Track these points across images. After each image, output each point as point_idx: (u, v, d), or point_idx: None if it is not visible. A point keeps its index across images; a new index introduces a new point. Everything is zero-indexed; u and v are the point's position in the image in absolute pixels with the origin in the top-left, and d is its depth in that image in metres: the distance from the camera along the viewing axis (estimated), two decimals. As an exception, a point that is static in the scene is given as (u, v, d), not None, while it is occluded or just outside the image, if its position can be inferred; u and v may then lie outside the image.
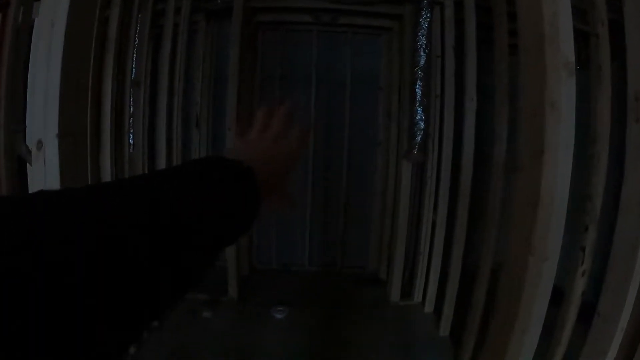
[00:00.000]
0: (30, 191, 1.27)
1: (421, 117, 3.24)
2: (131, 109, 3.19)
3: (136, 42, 3.18)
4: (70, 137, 1.22)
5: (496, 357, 1.37)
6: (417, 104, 3.25)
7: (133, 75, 3.18)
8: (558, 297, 2.32)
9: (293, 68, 4.36)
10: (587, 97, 1.97)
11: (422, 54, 3.22)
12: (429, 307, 3.68)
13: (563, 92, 1.17)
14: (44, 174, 1.22)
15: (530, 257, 1.20)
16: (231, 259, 3.80)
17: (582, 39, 3.91)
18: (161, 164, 3.51)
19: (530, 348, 1.34)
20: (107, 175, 2.76)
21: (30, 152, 2.02)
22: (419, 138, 3.28)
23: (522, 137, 1.26)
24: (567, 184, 1.20)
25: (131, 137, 3.20)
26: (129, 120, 3.13)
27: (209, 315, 3.54)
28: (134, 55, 3.18)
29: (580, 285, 2.18)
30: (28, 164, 1.70)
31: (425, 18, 3.24)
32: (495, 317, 1.41)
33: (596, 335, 1.77)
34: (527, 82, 1.24)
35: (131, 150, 3.17)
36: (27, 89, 1.31)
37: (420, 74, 3.23)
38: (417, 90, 3.25)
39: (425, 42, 3.22)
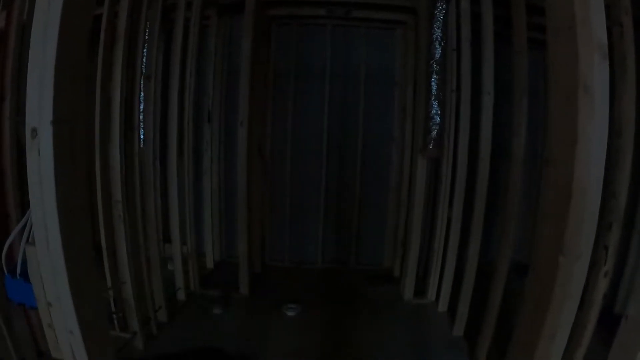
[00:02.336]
0: (29, 182, 1.19)
1: (437, 111, 3.12)
2: (142, 104, 3.12)
3: (146, 36, 3.11)
4: (66, 124, 1.14)
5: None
6: (433, 98, 3.13)
7: (144, 69, 3.11)
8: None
9: (307, 63, 4.26)
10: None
11: (437, 47, 3.10)
12: (442, 306, 3.56)
13: (596, 75, 1.05)
14: (39, 164, 1.14)
15: (561, 257, 1.08)
16: (243, 256, 3.72)
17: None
18: (172, 159, 3.44)
19: (557, 354, 1.22)
20: (116, 171, 2.70)
21: None
22: (434, 133, 3.15)
23: (553, 126, 1.14)
24: (601, 177, 1.09)
25: (142, 132, 3.13)
26: (139, 115, 3.05)
27: (219, 312, 3.46)
28: (144, 49, 3.12)
29: (602, 286, 2.06)
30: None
31: (440, 10, 3.12)
32: (520, 321, 1.29)
33: (624, 340, 1.64)
34: (558, 65, 1.13)
35: (141, 146, 3.10)
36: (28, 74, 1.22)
37: (435, 67, 3.11)
38: (432, 84, 3.13)
39: (440, 34, 3.10)
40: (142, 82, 3.08)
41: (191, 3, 3.52)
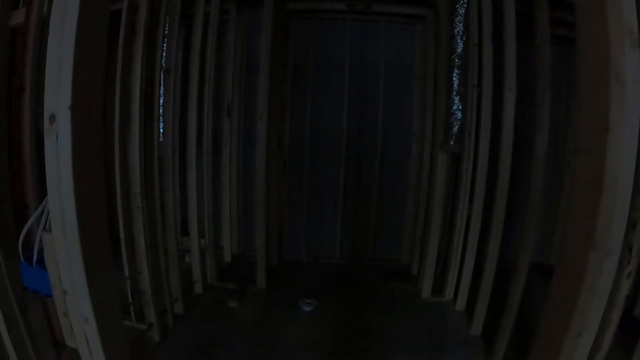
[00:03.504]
0: (46, 167, 1.18)
1: (458, 106, 3.06)
2: (161, 98, 3.13)
3: (166, 30, 3.10)
4: (84, 110, 1.13)
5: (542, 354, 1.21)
6: (454, 93, 3.07)
7: (163, 63, 3.11)
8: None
9: (326, 57, 4.23)
10: None
11: (459, 41, 3.04)
12: (460, 305, 3.50)
13: (628, 62, 0.99)
14: (57, 150, 1.13)
15: (592, 252, 1.03)
16: (260, 250, 3.71)
17: None
18: (191, 153, 3.44)
19: (583, 354, 1.17)
20: (135, 164, 2.71)
21: None
22: (455, 129, 3.10)
23: (583, 115, 1.08)
24: (632, 168, 1.03)
25: (161, 126, 3.13)
26: (159, 108, 3.06)
27: (235, 305, 3.46)
28: (164, 43, 3.12)
29: (625, 287, 1.97)
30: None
31: (462, 4, 3.05)
32: (545, 319, 1.24)
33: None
34: (587, 52, 1.07)
35: (160, 139, 3.10)
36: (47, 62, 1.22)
37: (457, 62, 3.05)
38: (454, 78, 3.07)
39: (462, 28, 3.03)
40: (161, 76, 3.09)
41: (211, -3, 3.51)
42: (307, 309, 3.45)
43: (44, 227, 1.37)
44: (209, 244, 3.72)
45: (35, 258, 1.45)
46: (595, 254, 1.04)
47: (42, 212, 1.41)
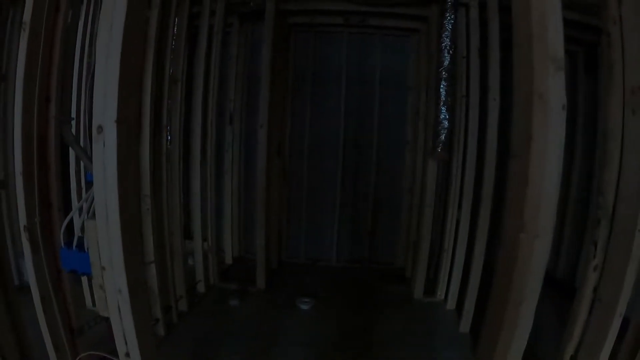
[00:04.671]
0: (94, 168, 1.54)
1: (445, 116, 3.42)
2: (168, 105, 3.47)
3: (174, 42, 3.44)
4: (125, 123, 1.49)
5: (494, 328, 1.56)
6: (442, 104, 3.43)
7: (170, 72, 3.45)
8: (570, 292, 2.46)
9: (324, 68, 4.64)
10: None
11: (446, 54, 3.40)
12: (451, 304, 3.85)
13: (551, 84, 1.35)
14: (103, 153, 1.49)
15: (521, 235, 1.38)
16: (260, 252, 4.07)
17: (589, 47, 4.04)
18: (195, 159, 3.79)
19: (526, 320, 1.51)
20: (145, 168, 3.05)
21: (76, 139, 2.32)
22: (443, 136, 3.45)
23: (515, 127, 1.44)
24: (558, 169, 1.38)
25: (168, 132, 3.48)
26: (167, 115, 3.40)
27: (236, 303, 3.80)
28: (171, 54, 3.46)
29: (592, 279, 2.27)
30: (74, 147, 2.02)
31: (449, 20, 3.41)
32: (492, 292, 1.59)
33: (596, 320, 1.92)
34: (519, 75, 1.43)
35: (169, 145, 3.45)
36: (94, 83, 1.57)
37: (444, 74, 3.41)
38: (441, 90, 3.43)
39: (449, 43, 3.40)
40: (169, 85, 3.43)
41: (215, 11, 3.88)
42: (304, 307, 3.80)
43: (86, 216, 1.73)
44: (211, 246, 4.07)
45: (75, 242, 1.80)
46: (525, 236, 1.38)
47: (82, 205, 1.77)
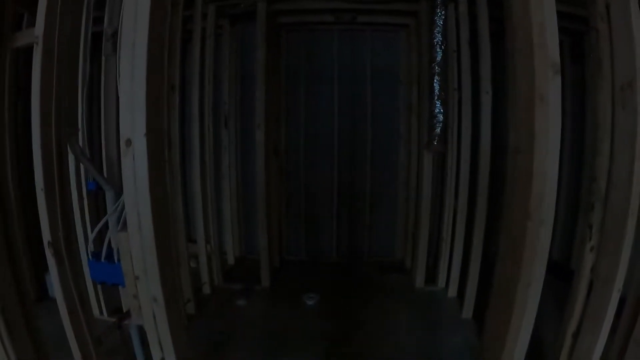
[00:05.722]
0: (123, 181, 1.66)
1: (439, 110, 3.58)
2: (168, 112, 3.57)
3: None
4: (154, 134, 1.61)
5: (505, 309, 1.72)
6: (436, 98, 3.60)
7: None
8: (569, 275, 2.63)
9: (316, 66, 4.77)
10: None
11: (438, 50, 3.57)
12: (452, 292, 4.04)
13: (551, 87, 1.51)
14: (133, 166, 1.61)
15: (528, 222, 1.54)
16: (264, 251, 4.21)
17: (575, 36, 4.23)
18: (195, 163, 3.91)
19: (535, 299, 1.68)
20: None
21: (82, 151, 2.41)
22: (438, 130, 3.62)
23: (519, 125, 1.60)
24: (556, 162, 1.54)
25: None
26: (167, 121, 3.50)
27: (243, 303, 3.94)
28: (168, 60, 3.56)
29: (589, 260, 2.44)
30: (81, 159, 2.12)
31: (440, 16, 3.57)
32: (498, 277, 1.75)
33: (596, 296, 2.10)
34: (519, 79, 1.59)
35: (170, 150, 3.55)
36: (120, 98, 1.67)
37: (437, 69, 3.57)
38: (435, 84, 3.59)
39: (441, 39, 3.56)
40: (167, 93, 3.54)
41: (206, 14, 3.98)
42: (310, 302, 3.95)
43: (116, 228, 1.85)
44: (214, 248, 4.20)
45: (104, 254, 1.92)
46: (531, 223, 1.55)
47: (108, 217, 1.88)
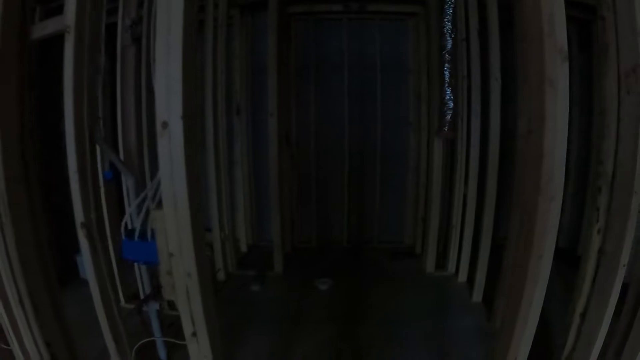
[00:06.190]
0: (160, 161, 1.81)
1: (450, 97, 3.72)
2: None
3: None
4: (189, 117, 1.76)
5: (518, 281, 1.88)
6: (446, 85, 3.74)
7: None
8: (575, 261, 2.78)
9: (325, 55, 4.92)
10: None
11: (448, 38, 3.70)
12: (462, 277, 4.21)
13: (560, 73, 1.65)
14: (170, 147, 1.76)
15: (539, 197, 1.69)
16: (277, 237, 4.38)
17: (583, 25, 4.35)
18: (209, 152, 4.07)
19: (546, 271, 1.83)
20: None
21: (105, 140, 2.55)
22: (448, 117, 3.76)
23: (530, 108, 1.75)
24: (565, 142, 1.69)
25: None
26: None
27: (257, 288, 4.12)
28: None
29: (596, 242, 2.58)
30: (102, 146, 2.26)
31: (450, 4, 3.70)
32: (508, 252, 1.91)
33: (603, 272, 2.26)
34: (528, 64, 1.74)
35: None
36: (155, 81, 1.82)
37: (447, 57, 3.71)
38: (445, 72, 3.73)
39: (450, 27, 3.69)
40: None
41: (217, 4, 4.12)
42: (323, 287, 4.12)
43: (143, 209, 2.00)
44: (228, 235, 4.37)
45: (137, 233, 2.08)
46: (542, 198, 1.69)
47: (143, 198, 2.04)
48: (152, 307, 2.83)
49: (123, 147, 3.30)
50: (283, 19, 4.57)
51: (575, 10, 3.89)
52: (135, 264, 3.17)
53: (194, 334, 2.03)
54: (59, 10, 2.18)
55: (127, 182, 2.79)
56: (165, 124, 1.77)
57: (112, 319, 2.35)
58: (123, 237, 2.17)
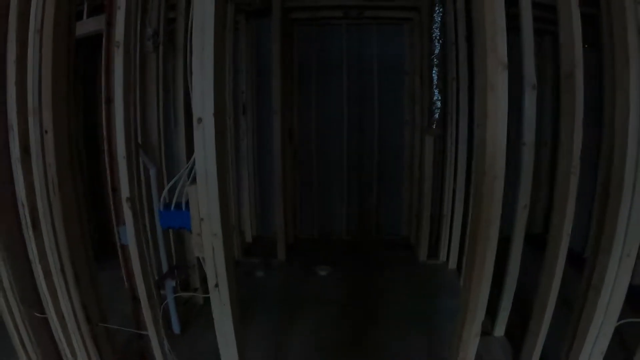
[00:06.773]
0: (195, 148, 2.57)
1: (438, 97, 4.49)
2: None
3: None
4: (219, 114, 2.50)
5: (473, 243, 2.63)
6: (434, 87, 4.50)
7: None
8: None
9: (326, 58, 5.75)
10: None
11: (436, 44, 4.47)
12: (452, 264, 4.99)
13: (499, 79, 2.40)
14: (204, 140, 2.51)
15: (485, 177, 2.44)
16: (280, 227, 5.18)
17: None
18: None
19: (494, 236, 2.58)
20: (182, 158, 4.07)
21: None
22: (436, 115, 4.53)
23: (479, 107, 2.51)
24: (504, 133, 2.43)
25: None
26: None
27: (261, 274, 4.89)
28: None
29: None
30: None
31: (438, 12, 4.47)
32: (471, 219, 2.67)
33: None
34: (479, 72, 2.50)
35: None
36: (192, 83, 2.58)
37: (435, 61, 4.48)
38: (433, 75, 4.50)
39: (439, 34, 4.46)
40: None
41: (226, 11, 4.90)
42: (323, 273, 4.89)
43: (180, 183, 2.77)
44: (235, 225, 5.13)
45: (174, 203, 2.84)
46: (487, 178, 2.44)
47: (180, 176, 2.81)
48: (169, 284, 3.62)
49: (146, 143, 4.06)
50: (286, 24, 5.36)
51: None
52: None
53: (217, 285, 2.76)
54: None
55: (150, 171, 3.57)
56: (200, 120, 2.53)
57: (147, 279, 3.10)
58: (161, 209, 2.92)
